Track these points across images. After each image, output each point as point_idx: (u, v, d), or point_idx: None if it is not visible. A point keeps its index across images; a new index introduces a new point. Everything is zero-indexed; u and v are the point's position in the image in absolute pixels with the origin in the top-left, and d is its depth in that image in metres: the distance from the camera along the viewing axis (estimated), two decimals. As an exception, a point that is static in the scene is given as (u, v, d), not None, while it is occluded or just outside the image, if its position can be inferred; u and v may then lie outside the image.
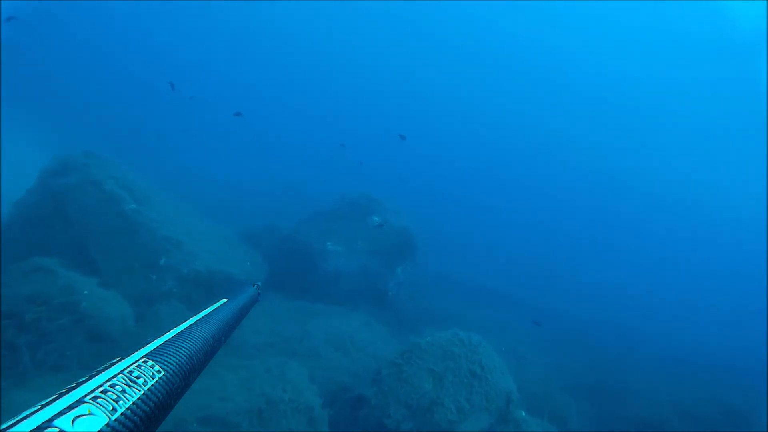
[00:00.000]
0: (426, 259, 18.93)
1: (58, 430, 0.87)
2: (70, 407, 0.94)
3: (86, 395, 1.00)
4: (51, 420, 0.88)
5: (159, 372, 1.25)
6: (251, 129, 47.86)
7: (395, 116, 70.21)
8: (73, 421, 0.91)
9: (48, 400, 0.96)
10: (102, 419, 0.96)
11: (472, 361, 9.14)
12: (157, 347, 1.37)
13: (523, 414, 9.49)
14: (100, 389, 1.05)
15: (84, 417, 0.94)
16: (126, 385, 1.11)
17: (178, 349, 1.41)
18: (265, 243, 16.70)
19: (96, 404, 0.99)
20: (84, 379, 1.08)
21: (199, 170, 33.93)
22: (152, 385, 1.19)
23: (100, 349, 8.97)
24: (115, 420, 0.99)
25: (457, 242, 35.48)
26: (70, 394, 1.00)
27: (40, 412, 0.91)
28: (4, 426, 0.86)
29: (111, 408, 1.01)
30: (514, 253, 38.39)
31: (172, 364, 1.33)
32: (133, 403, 1.08)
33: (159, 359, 1.30)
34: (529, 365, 16.66)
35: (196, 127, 45.66)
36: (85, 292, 8.96)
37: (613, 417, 13.73)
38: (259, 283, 2.62)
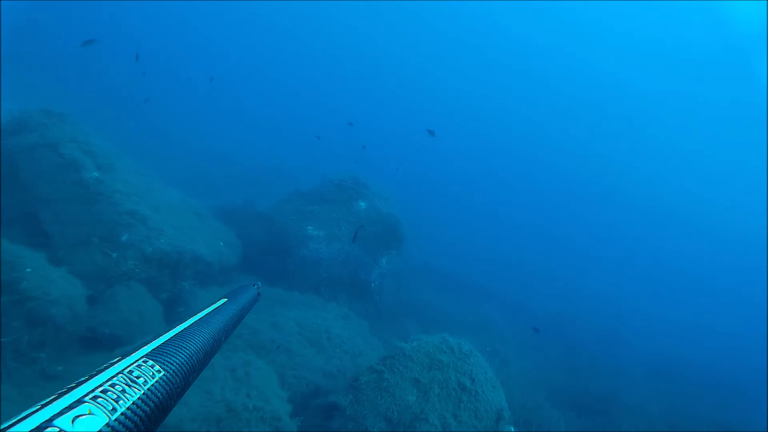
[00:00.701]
0: (411, 249, 17.95)
1: (58, 429, 0.87)
2: (70, 407, 0.95)
3: (86, 395, 1.01)
4: (51, 420, 0.89)
5: (159, 372, 1.28)
6: (235, 99, 46.80)
7: (393, 102, 69.71)
8: (73, 421, 0.91)
9: (48, 399, 0.96)
10: (102, 419, 0.97)
11: (462, 373, 8.21)
12: (157, 347, 1.42)
13: (512, 430, 8.58)
14: (100, 389, 1.06)
15: (84, 417, 0.94)
16: (126, 384, 1.12)
17: (178, 349, 1.47)
18: (242, 221, 15.62)
19: (96, 404, 0.99)
20: (84, 378, 1.09)
21: (184, 138, 32.80)
22: (152, 385, 1.21)
23: (43, 333, 7.94)
24: (115, 420, 1.00)
25: (443, 234, 34.95)
26: (70, 393, 1.00)
27: (39, 411, 0.91)
28: (4, 426, 0.85)
29: (111, 408, 1.01)
30: (499, 249, 38.05)
31: (172, 364, 1.37)
32: (133, 403, 1.09)
33: (159, 359, 1.34)
34: (513, 370, 15.84)
35: (185, 95, 44.34)
36: (28, 269, 7.88)
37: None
38: (259, 284, 2.71)
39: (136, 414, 1.08)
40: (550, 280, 34.01)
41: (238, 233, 14.63)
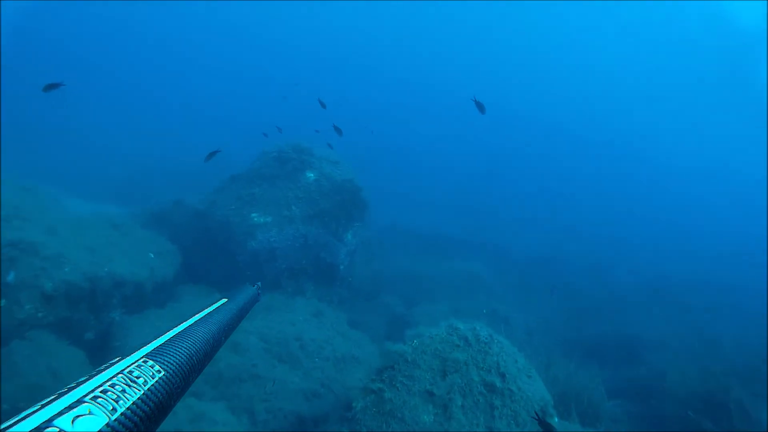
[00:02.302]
0: (375, 213, 15.81)
1: (57, 429, 0.87)
2: (70, 407, 0.95)
3: (86, 395, 1.02)
4: (51, 420, 0.89)
5: (159, 372, 1.29)
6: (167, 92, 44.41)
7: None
8: (73, 421, 0.91)
9: (48, 399, 0.97)
10: (102, 419, 0.97)
11: (487, 369, 6.18)
12: (157, 347, 1.43)
13: (557, 420, 6.58)
14: (100, 389, 1.06)
15: (84, 417, 0.94)
16: (126, 384, 1.13)
17: (178, 349, 1.47)
18: (176, 224, 13.29)
19: (96, 404, 1.00)
20: (84, 378, 1.10)
21: (114, 144, 29.90)
22: (152, 385, 1.22)
23: None
24: (115, 420, 1.00)
25: (407, 191, 32.99)
26: (70, 393, 1.01)
27: (39, 411, 0.91)
28: (3, 426, 0.85)
29: (111, 408, 1.02)
30: (471, 198, 36.29)
31: (172, 364, 1.37)
32: (133, 403, 1.10)
33: (159, 359, 1.34)
34: (517, 329, 13.99)
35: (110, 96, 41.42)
36: None
37: (643, 386, 11.06)
38: (259, 284, 2.86)
39: (136, 414, 1.06)
40: (529, 222, 32.79)
41: (174, 238, 12.39)
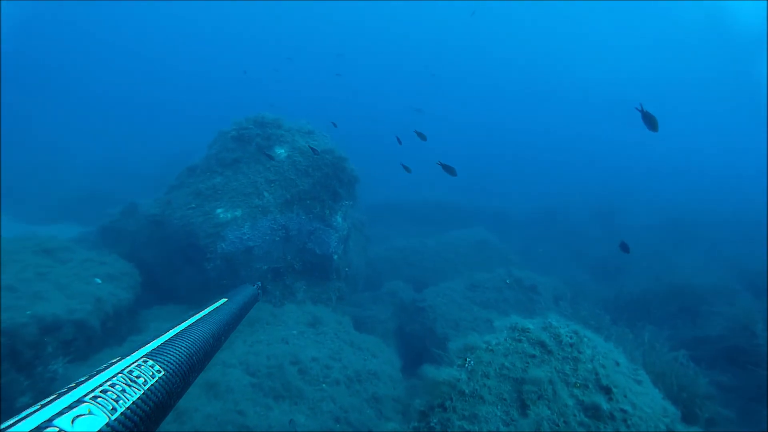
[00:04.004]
0: (364, 192, 13.75)
1: (57, 429, 0.90)
2: (70, 407, 0.98)
3: (86, 395, 1.06)
4: (51, 420, 0.92)
5: (159, 372, 1.33)
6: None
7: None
8: (72, 421, 0.94)
9: (48, 399, 1.00)
10: (102, 419, 1.00)
11: (583, 384, 4.11)
12: (157, 347, 1.47)
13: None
14: (100, 389, 1.10)
15: (84, 416, 0.97)
16: (126, 384, 1.16)
17: (177, 349, 1.51)
18: (130, 236, 11.08)
19: (96, 404, 1.03)
20: (84, 378, 1.14)
21: (69, 151, 27.65)
22: (152, 385, 1.25)
23: None
24: (115, 420, 1.04)
25: (389, 166, 30.55)
26: (70, 393, 1.05)
27: (39, 411, 0.94)
28: (3, 426, 0.87)
29: (111, 408, 1.05)
30: (464, 161, 34.23)
31: (171, 363, 1.42)
32: (133, 403, 1.13)
33: (159, 359, 1.38)
34: (547, 298, 12.14)
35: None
36: None
37: (733, 348, 9.07)
38: (259, 283, 3.13)
39: (135, 414, 1.09)
40: (529, 178, 31.33)
41: (131, 255, 10.38)
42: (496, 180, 31.42)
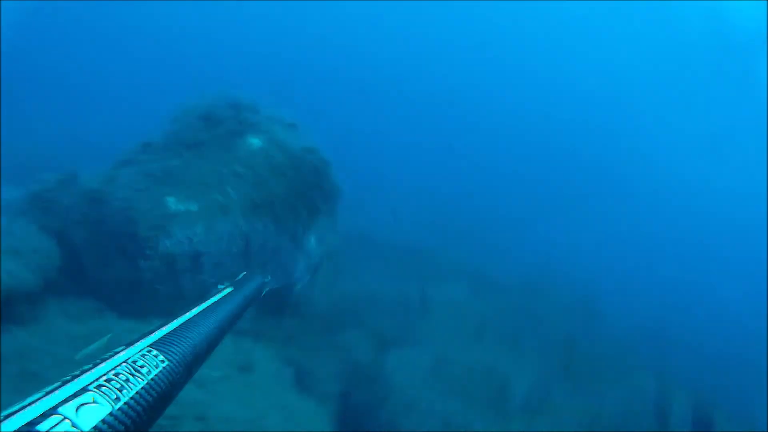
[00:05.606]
0: (342, 217, 12.25)
1: (62, 417, 0.89)
2: (75, 395, 0.98)
3: (90, 383, 1.05)
4: (55, 407, 0.91)
5: (163, 362, 1.32)
6: None
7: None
8: (77, 409, 0.94)
9: (52, 387, 0.99)
10: (106, 408, 1.00)
11: None
12: (161, 337, 1.48)
13: None
14: (105, 378, 1.09)
15: (88, 405, 0.97)
16: (130, 374, 1.15)
17: (182, 339, 1.52)
18: (64, 211, 9.32)
19: (100, 393, 1.02)
20: (88, 367, 1.13)
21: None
22: (156, 375, 1.24)
23: None
24: (119, 409, 1.03)
25: (377, 191, 29.51)
26: (75, 381, 1.04)
27: (44, 399, 0.93)
28: (9, 411, 0.87)
29: (115, 397, 1.05)
30: (452, 212, 32.98)
31: (176, 354, 1.41)
32: (137, 393, 1.13)
33: (163, 349, 1.38)
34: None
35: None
36: None
37: None
38: (269, 278, 3.18)
39: (139, 403, 1.08)
40: (514, 242, 30.08)
41: (60, 231, 8.65)
42: (489, 233, 30.28)
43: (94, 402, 0.95)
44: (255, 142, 9.27)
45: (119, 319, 7.73)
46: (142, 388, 1.12)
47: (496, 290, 20.00)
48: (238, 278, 2.53)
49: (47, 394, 0.92)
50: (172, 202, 8.40)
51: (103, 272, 8.60)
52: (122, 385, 1.06)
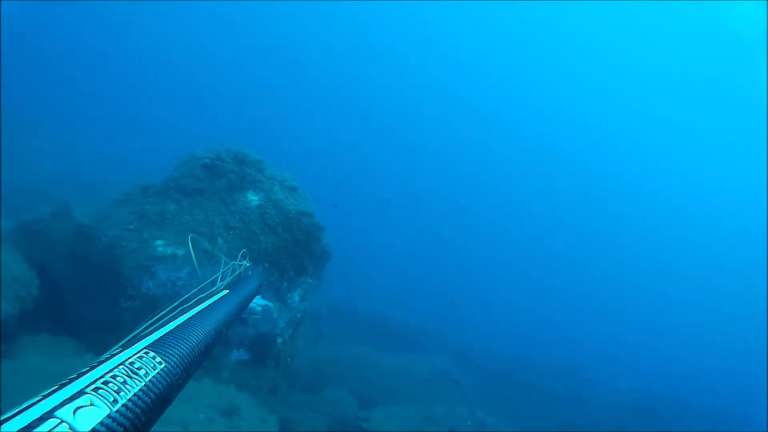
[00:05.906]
0: (328, 280, 12.31)
1: (59, 420, 0.88)
2: (72, 398, 0.95)
3: (87, 386, 1.02)
4: (52, 411, 0.89)
5: (160, 363, 1.28)
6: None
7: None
8: (74, 412, 0.91)
9: (49, 390, 0.97)
10: (103, 410, 0.97)
11: None
12: (159, 338, 1.42)
13: None
14: (102, 380, 1.06)
15: (85, 408, 0.94)
16: (127, 376, 1.13)
17: (180, 341, 1.45)
18: (50, 243, 9.46)
19: (97, 395, 0.99)
20: (85, 369, 1.10)
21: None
22: (153, 377, 1.21)
23: None
24: (116, 411, 1.00)
25: (364, 265, 30.12)
26: (72, 384, 1.01)
27: (41, 402, 0.91)
28: (5, 416, 0.87)
29: (112, 399, 1.02)
30: (436, 288, 33.73)
31: (173, 355, 1.36)
32: (134, 395, 1.09)
33: (161, 350, 1.33)
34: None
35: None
36: None
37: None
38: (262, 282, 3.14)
39: (137, 406, 1.06)
40: (495, 318, 30.11)
41: (43, 263, 8.69)
42: (467, 308, 30.39)
43: (92, 405, 0.94)
44: (253, 199, 9.43)
45: (95, 357, 7.63)
46: (140, 389, 1.11)
47: (472, 361, 20.14)
48: (234, 279, 2.60)
49: (44, 397, 0.92)
50: (160, 246, 8.43)
51: (83, 308, 8.56)
52: (120, 387, 1.05)
